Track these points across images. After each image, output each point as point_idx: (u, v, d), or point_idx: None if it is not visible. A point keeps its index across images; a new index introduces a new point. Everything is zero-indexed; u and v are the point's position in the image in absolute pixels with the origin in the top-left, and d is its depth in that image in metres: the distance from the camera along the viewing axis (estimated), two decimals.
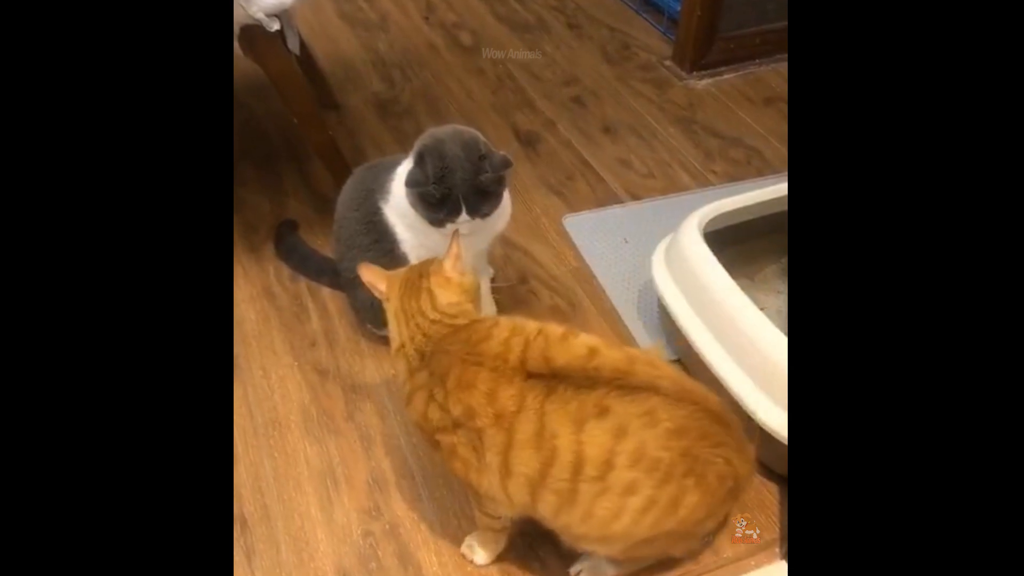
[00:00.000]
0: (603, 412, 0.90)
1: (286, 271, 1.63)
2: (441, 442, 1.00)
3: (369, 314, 1.41)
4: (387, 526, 1.21)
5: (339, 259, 1.41)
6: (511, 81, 2.23)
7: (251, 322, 1.53)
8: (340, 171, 1.65)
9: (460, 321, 1.02)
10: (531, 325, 0.99)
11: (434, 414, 0.98)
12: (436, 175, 1.14)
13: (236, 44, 1.43)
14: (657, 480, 0.92)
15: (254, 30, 1.43)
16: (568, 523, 0.97)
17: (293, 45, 1.69)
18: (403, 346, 1.04)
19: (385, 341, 1.47)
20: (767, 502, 1.23)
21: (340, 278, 1.50)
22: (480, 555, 1.15)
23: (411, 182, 1.16)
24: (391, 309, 1.06)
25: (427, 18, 2.51)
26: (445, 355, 0.99)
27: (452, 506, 1.23)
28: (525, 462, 0.92)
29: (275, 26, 1.43)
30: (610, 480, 0.91)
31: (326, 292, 1.59)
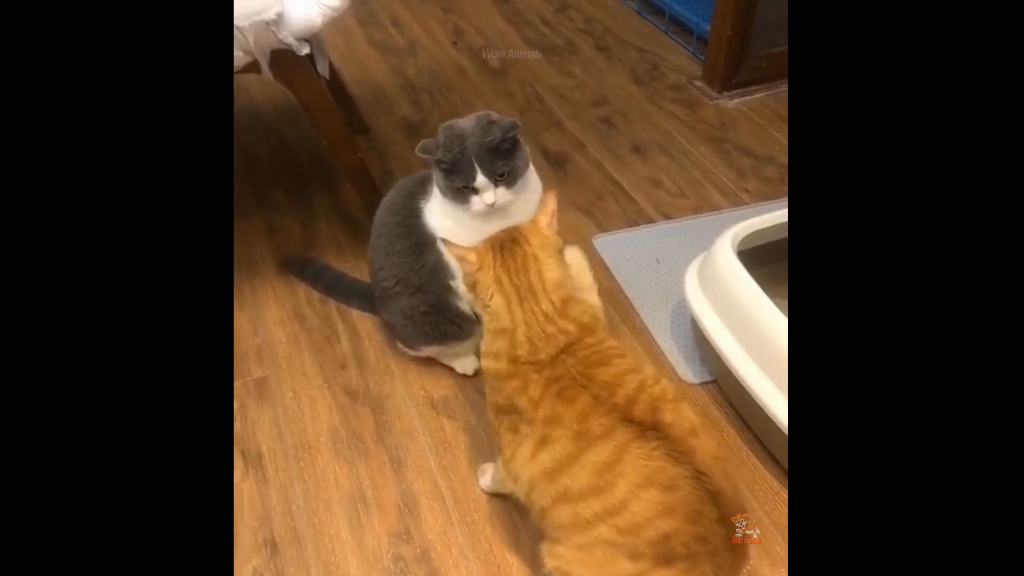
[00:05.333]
0: (672, 487, 0.91)
1: (316, 293, 1.63)
2: (512, 406, 1.01)
3: (405, 332, 1.39)
4: (418, 550, 1.19)
5: (376, 270, 1.40)
6: (539, 103, 2.23)
7: (281, 344, 1.53)
8: (370, 194, 1.65)
9: (570, 327, 1.01)
10: (650, 369, 1.00)
11: (520, 401, 0.99)
12: (447, 143, 1.21)
13: (266, 68, 1.44)
14: (655, 563, 0.92)
15: (284, 55, 1.44)
16: (558, 537, 0.98)
17: (323, 69, 1.71)
18: (513, 330, 1.01)
19: (416, 362, 1.47)
20: None
21: (370, 300, 1.49)
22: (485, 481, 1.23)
23: (423, 149, 1.24)
24: (487, 278, 1.04)
25: (455, 42, 2.53)
26: (563, 368, 0.98)
27: (483, 529, 1.21)
28: (576, 478, 0.93)
29: (305, 50, 1.44)
30: (627, 538, 0.91)
31: (356, 314, 1.58)
